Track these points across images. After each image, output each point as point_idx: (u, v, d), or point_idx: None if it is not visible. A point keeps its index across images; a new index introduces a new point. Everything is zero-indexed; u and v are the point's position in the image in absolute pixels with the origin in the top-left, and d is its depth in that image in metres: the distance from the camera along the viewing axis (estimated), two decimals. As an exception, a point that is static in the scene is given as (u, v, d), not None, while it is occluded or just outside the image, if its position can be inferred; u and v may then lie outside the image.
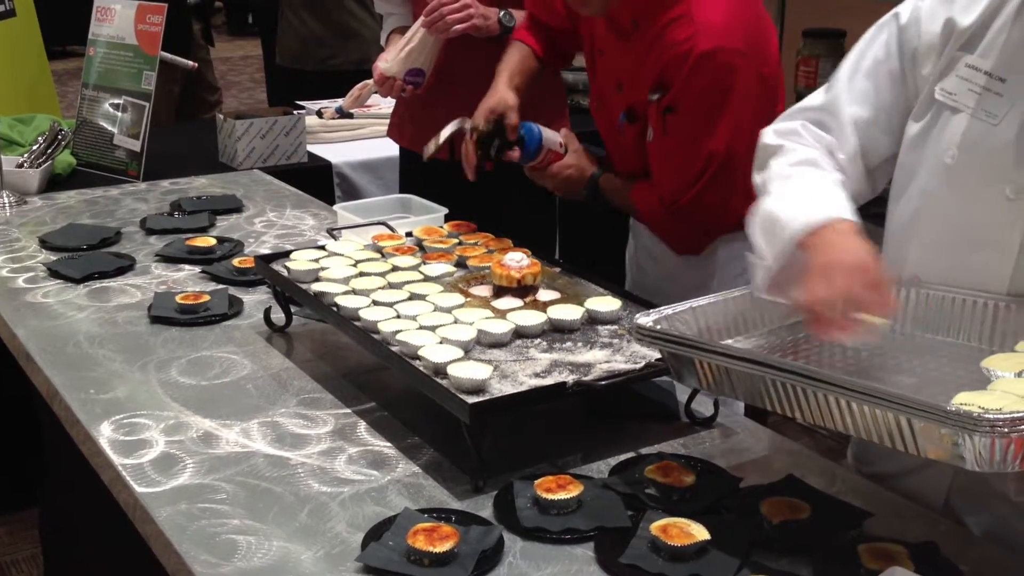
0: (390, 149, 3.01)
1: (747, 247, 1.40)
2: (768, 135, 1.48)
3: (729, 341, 1.40)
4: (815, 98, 1.47)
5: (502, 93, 2.04)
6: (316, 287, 1.68)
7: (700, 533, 1.22)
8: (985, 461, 1.03)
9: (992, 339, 1.32)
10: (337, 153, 3.13)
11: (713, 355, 1.27)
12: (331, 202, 2.83)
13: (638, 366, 1.46)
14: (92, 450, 1.48)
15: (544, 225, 2.68)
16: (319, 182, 2.97)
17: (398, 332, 1.51)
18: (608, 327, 1.59)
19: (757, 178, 1.46)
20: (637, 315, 1.37)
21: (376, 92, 2.54)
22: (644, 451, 1.46)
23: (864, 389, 1.11)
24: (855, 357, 1.33)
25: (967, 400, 1.12)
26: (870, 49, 1.42)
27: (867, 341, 1.26)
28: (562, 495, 1.30)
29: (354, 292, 1.66)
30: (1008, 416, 1.01)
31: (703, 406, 1.56)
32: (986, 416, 1.02)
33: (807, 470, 1.41)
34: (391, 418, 1.55)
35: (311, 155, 3.06)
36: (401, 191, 2.67)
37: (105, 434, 1.48)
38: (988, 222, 1.28)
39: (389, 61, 2.41)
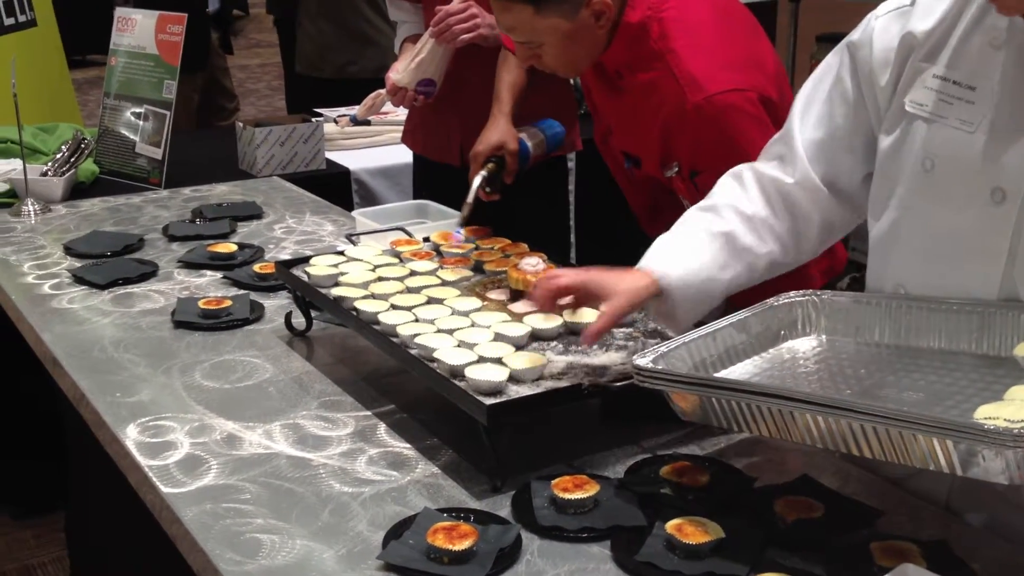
0: (407, 155, 3.04)
1: None
2: (722, 179, 1.55)
3: (724, 372, 1.41)
4: (780, 131, 1.53)
5: (502, 130, 2.12)
6: (335, 292, 1.71)
7: (715, 531, 1.24)
8: (1020, 475, 1.04)
9: (984, 345, 1.32)
10: (355, 160, 3.17)
11: (728, 392, 1.26)
12: (349, 208, 2.87)
13: (654, 368, 1.48)
14: (119, 452, 1.51)
15: (558, 229, 2.70)
16: (337, 189, 3.01)
17: (416, 335, 1.54)
18: (623, 330, 1.61)
19: None
20: (636, 356, 1.35)
21: (389, 101, 2.57)
22: (660, 452, 1.48)
23: (894, 415, 1.11)
24: (855, 377, 1.34)
25: (990, 413, 1.12)
26: (825, 76, 1.47)
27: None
28: (579, 495, 1.32)
29: (373, 296, 1.69)
30: None
31: (718, 407, 1.58)
32: (1013, 430, 1.02)
33: (821, 470, 1.43)
34: (410, 420, 1.57)
35: (329, 162, 3.10)
36: (415, 197, 2.71)
37: (131, 436, 1.52)
38: (973, 229, 1.28)
39: (400, 72, 2.45)
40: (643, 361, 1.32)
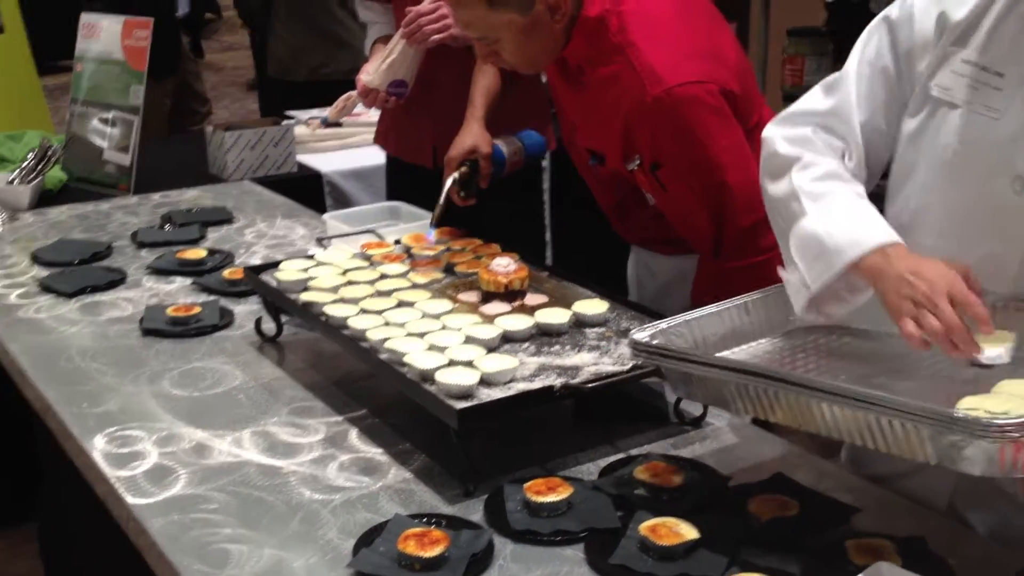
0: (379, 157, 3.02)
1: None
2: (779, 143, 1.42)
3: (726, 353, 1.40)
4: (817, 101, 1.43)
5: (475, 134, 2.10)
6: (304, 296, 1.69)
7: (689, 532, 1.23)
8: (996, 466, 1.03)
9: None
10: (327, 162, 3.14)
11: (711, 368, 1.27)
12: (322, 211, 2.83)
13: (626, 368, 1.47)
14: (85, 463, 1.49)
15: (533, 229, 2.69)
16: (310, 192, 2.98)
17: (386, 339, 1.52)
18: (596, 330, 1.60)
19: (773, 187, 1.41)
20: (633, 331, 1.36)
21: (360, 103, 2.55)
22: (633, 452, 1.47)
23: (868, 398, 1.11)
24: (856, 364, 1.33)
25: (973, 404, 1.11)
26: (865, 52, 1.41)
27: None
28: (552, 497, 1.31)
29: (342, 301, 1.67)
30: (1018, 421, 1.01)
31: (692, 406, 1.57)
32: (995, 422, 1.02)
33: (795, 468, 1.42)
34: (382, 425, 1.56)
35: (301, 165, 3.07)
36: (388, 198, 2.68)
37: (98, 447, 1.49)
38: (993, 217, 1.28)
39: (371, 73, 2.43)
40: (639, 335, 1.32)
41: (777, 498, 1.32)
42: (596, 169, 1.89)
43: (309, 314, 1.67)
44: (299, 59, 4.06)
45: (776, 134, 1.44)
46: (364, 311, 1.63)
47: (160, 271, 2.16)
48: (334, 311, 1.62)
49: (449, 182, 2.06)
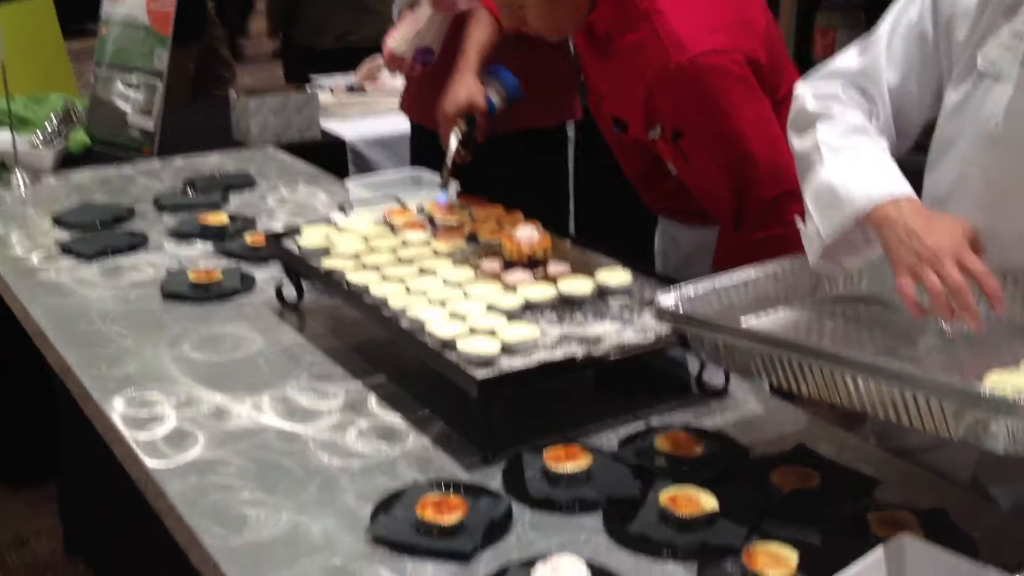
0: (403, 124, 3.00)
1: None
2: (808, 99, 1.42)
3: (752, 319, 1.39)
4: (849, 60, 1.43)
5: (471, 88, 2.06)
6: (326, 263, 1.68)
7: (709, 503, 1.22)
8: (1020, 444, 1.02)
9: (1020, 315, 1.29)
10: (351, 129, 3.13)
11: (736, 337, 1.25)
12: (345, 178, 2.83)
13: (649, 339, 1.45)
14: (105, 425, 1.49)
15: (558, 197, 2.66)
16: (333, 158, 2.97)
17: (407, 307, 1.51)
18: (618, 299, 1.58)
19: (798, 142, 1.41)
20: (659, 293, 1.35)
21: (386, 69, 2.53)
22: (654, 423, 1.46)
23: (895, 372, 1.09)
24: (881, 335, 1.31)
25: (999, 380, 1.10)
26: (904, 14, 1.39)
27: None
28: (571, 466, 1.30)
29: (364, 267, 1.66)
30: None
31: (715, 377, 1.55)
32: (1022, 400, 1.00)
33: (817, 439, 1.41)
34: (401, 391, 1.55)
35: (324, 132, 3.06)
36: (412, 165, 2.67)
37: (117, 409, 1.49)
38: None
39: (398, 40, 2.40)
40: (664, 300, 1.31)
41: (799, 469, 1.30)
42: (620, 137, 1.86)
43: (330, 280, 1.66)
44: (326, 26, 4.04)
45: (806, 91, 1.44)
46: (386, 278, 1.62)
47: (182, 235, 2.16)
48: (356, 278, 1.61)
49: (454, 142, 2.02)
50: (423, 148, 2.69)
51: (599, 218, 2.92)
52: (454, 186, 1.99)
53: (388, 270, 1.65)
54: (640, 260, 1.74)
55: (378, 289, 1.57)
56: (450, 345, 1.41)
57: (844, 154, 1.34)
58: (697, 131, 1.69)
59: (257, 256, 2.03)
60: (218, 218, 2.20)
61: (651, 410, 1.49)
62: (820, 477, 1.28)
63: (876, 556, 1.04)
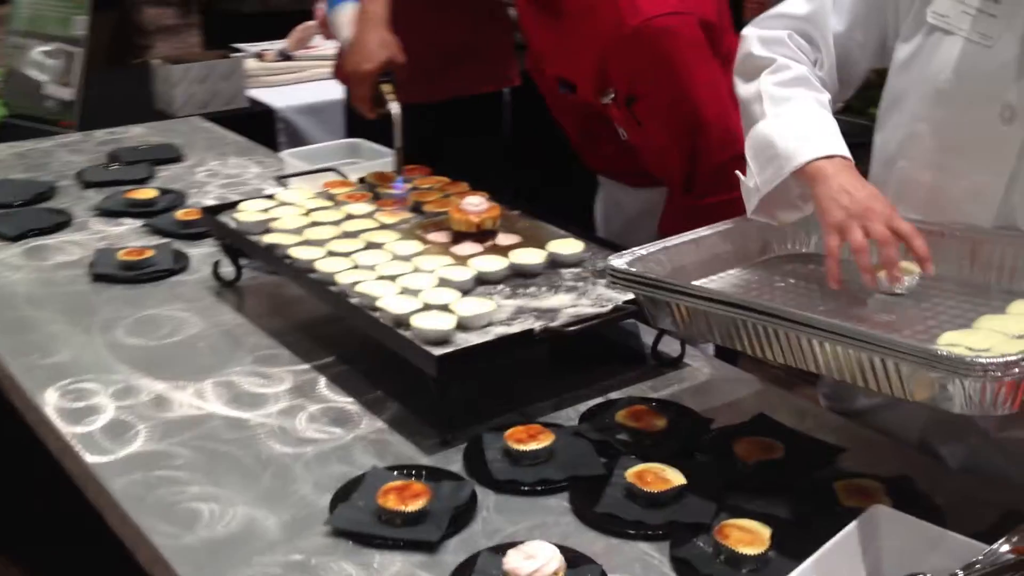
0: (334, 92, 2.92)
1: None
2: (754, 43, 1.41)
3: (703, 281, 1.37)
4: (797, 5, 1.42)
5: (387, 42, 1.87)
6: (267, 239, 1.61)
7: (676, 478, 1.20)
8: (975, 404, 1.01)
9: (971, 273, 1.29)
10: (279, 97, 3.02)
11: (690, 298, 1.23)
12: (274, 149, 2.74)
13: (605, 309, 1.42)
14: (37, 419, 1.41)
15: (496, 163, 2.61)
16: (261, 128, 2.87)
17: (357, 283, 1.45)
18: (571, 270, 1.55)
19: (743, 89, 1.40)
20: (610, 257, 1.32)
21: (319, 34, 2.44)
22: (613, 396, 1.43)
23: (850, 333, 1.08)
24: (832, 297, 1.30)
25: (954, 340, 1.09)
26: None
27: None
28: (533, 445, 1.27)
29: (307, 243, 1.60)
30: (1001, 360, 0.98)
31: (670, 347, 1.53)
32: (979, 360, 0.99)
33: (776, 408, 1.39)
34: (352, 372, 1.49)
35: (252, 100, 2.95)
36: (348, 136, 2.59)
37: (51, 402, 1.41)
38: (980, 146, 1.25)
39: None
40: (618, 262, 1.29)
41: (762, 440, 1.29)
42: (565, 98, 1.82)
43: (273, 257, 1.59)
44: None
45: (753, 34, 1.43)
46: (331, 253, 1.56)
47: (108, 212, 2.06)
48: (300, 253, 1.55)
49: (396, 109, 1.84)
50: (358, 117, 2.61)
51: (537, 185, 2.88)
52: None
53: (333, 245, 1.59)
54: (582, 226, 1.70)
55: (324, 265, 1.51)
56: (403, 322, 1.36)
57: (785, 107, 1.34)
58: (651, 96, 1.65)
59: (190, 233, 1.95)
60: (146, 193, 2.10)
61: (607, 383, 1.46)
62: (783, 447, 1.27)
63: (850, 529, 1.03)
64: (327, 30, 2.40)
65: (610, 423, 1.34)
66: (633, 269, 1.30)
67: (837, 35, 1.39)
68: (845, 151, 1.29)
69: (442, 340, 1.33)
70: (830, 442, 1.31)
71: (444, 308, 1.39)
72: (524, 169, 2.90)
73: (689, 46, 1.63)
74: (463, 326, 1.36)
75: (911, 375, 1.05)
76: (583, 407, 1.40)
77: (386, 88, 1.91)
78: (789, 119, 1.33)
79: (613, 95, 1.68)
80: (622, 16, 1.60)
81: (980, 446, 1.31)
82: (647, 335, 1.55)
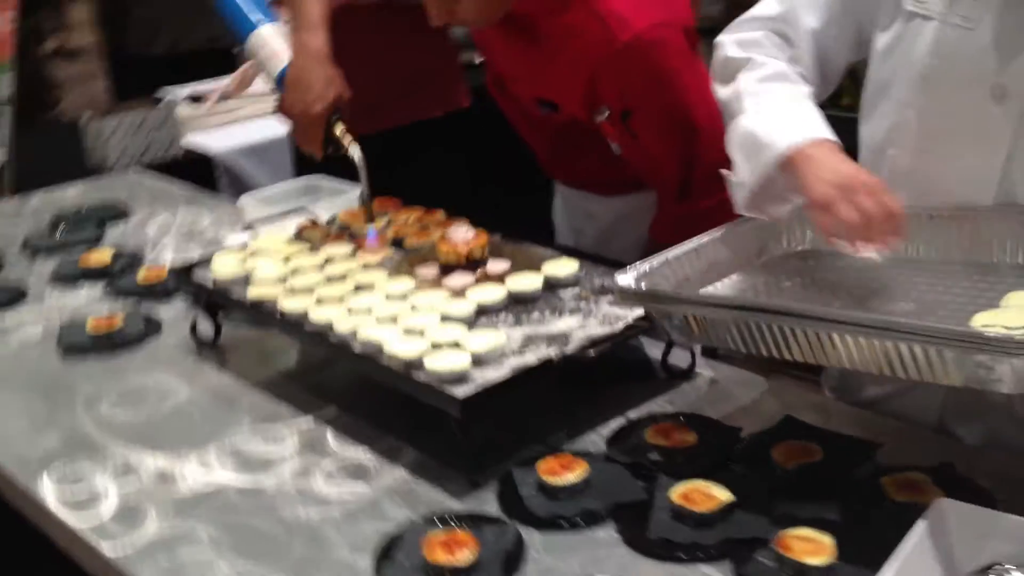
0: (272, 130, 2.86)
1: None
2: (730, 46, 1.41)
3: (710, 289, 1.35)
4: (769, 7, 1.42)
5: (334, 78, 1.76)
6: (252, 293, 1.55)
7: (722, 494, 1.17)
8: None
9: (976, 252, 1.29)
10: (216, 141, 2.94)
11: (710, 308, 1.21)
12: (217, 194, 2.66)
13: (617, 328, 1.39)
14: (35, 510, 1.32)
15: (457, 184, 2.57)
16: (202, 174, 2.79)
17: (356, 329, 1.39)
18: (569, 290, 1.51)
19: (722, 91, 1.40)
20: (616, 275, 1.29)
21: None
22: (632, 415, 1.40)
23: (891, 325, 1.06)
24: (843, 290, 1.29)
25: (988, 321, 1.08)
26: None
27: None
28: (569, 476, 1.23)
29: (294, 292, 1.53)
30: None
31: (679, 359, 1.50)
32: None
33: (799, 409, 1.37)
34: (357, 421, 1.43)
35: (188, 147, 2.87)
36: (297, 174, 2.53)
37: (48, 490, 1.33)
38: (972, 129, 1.25)
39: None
40: (623, 280, 1.26)
41: (797, 444, 1.26)
42: (545, 117, 1.79)
43: (261, 311, 1.52)
44: (158, 31, 3.79)
45: (728, 39, 1.42)
46: (321, 300, 1.50)
47: (64, 280, 1.96)
48: (290, 304, 1.48)
49: (358, 157, 1.72)
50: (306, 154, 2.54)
51: (497, 200, 2.85)
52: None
53: (321, 291, 1.53)
54: (546, 236, 1.66)
55: (318, 314, 1.45)
56: (416, 364, 1.31)
57: (765, 99, 1.34)
58: (647, 108, 1.64)
59: (155, 293, 1.86)
60: (101, 256, 2.01)
61: (623, 402, 1.43)
62: (820, 448, 1.25)
63: (921, 527, 1.01)
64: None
65: (640, 444, 1.31)
66: (643, 285, 1.27)
67: (813, 31, 1.39)
68: (830, 134, 1.28)
69: (459, 379, 1.28)
70: (865, 438, 1.29)
71: (454, 345, 1.34)
72: (480, 185, 2.87)
73: (677, 54, 1.62)
74: (477, 361, 1.31)
75: (956, 360, 1.03)
76: (605, 430, 1.37)
77: (340, 129, 1.82)
78: (769, 111, 1.32)
79: (608, 112, 1.66)
80: (612, 33, 1.58)
81: (998, 423, 1.31)
82: (652, 349, 1.53)
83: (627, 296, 1.28)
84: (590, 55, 1.60)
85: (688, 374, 1.49)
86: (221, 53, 4.07)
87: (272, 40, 1.83)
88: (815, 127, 1.28)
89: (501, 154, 2.90)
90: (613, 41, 1.57)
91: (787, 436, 1.29)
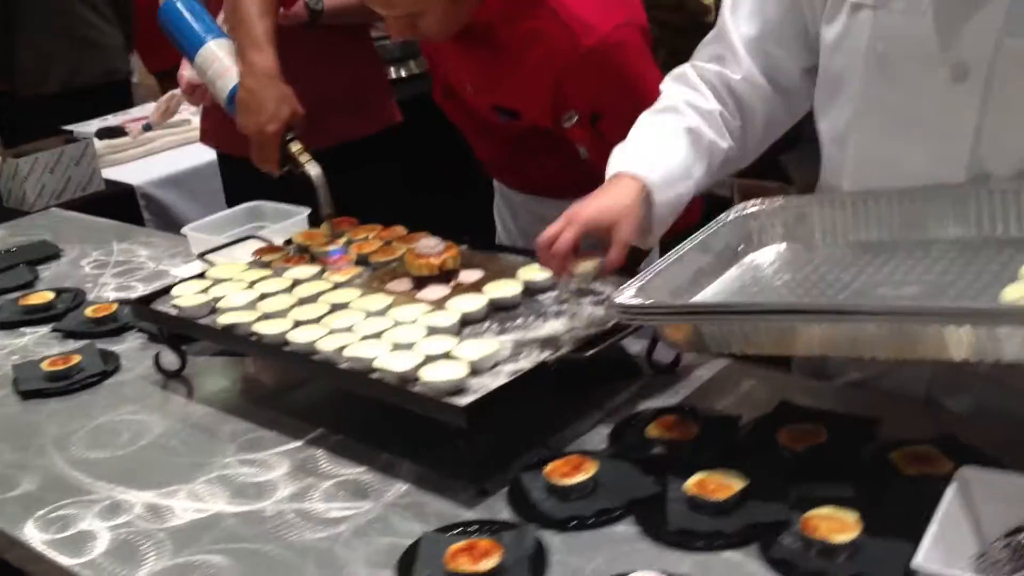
0: (195, 158, 2.79)
1: None
2: (666, 82, 1.47)
3: (700, 296, 1.35)
4: (710, 34, 1.45)
5: (288, 97, 1.78)
6: (223, 320, 1.50)
7: (737, 481, 1.17)
8: None
9: (960, 230, 1.30)
10: (136, 174, 2.85)
11: (727, 316, 1.21)
12: (142, 227, 2.58)
13: (607, 327, 1.39)
14: (25, 556, 1.25)
15: (398, 195, 2.53)
16: (125, 208, 2.69)
17: (343, 347, 1.36)
18: (548, 295, 1.51)
19: None
20: (614, 295, 1.27)
21: (185, 101, 2.31)
22: (627, 412, 1.39)
23: (919, 310, 1.08)
24: (839, 281, 1.30)
25: (1017, 295, 1.08)
26: None
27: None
28: (580, 477, 1.22)
29: (267, 316, 1.49)
30: None
31: (663, 354, 1.51)
32: None
33: (790, 393, 1.39)
34: (348, 440, 1.40)
35: (107, 181, 2.77)
36: (228, 200, 2.46)
37: (35, 536, 1.25)
38: (935, 111, 1.25)
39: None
40: (625, 299, 1.24)
41: (801, 426, 1.28)
42: (501, 125, 1.78)
43: (235, 338, 1.47)
44: (49, 69, 3.66)
45: (667, 78, 1.49)
46: (299, 323, 1.46)
47: (6, 325, 1.87)
48: (266, 328, 1.44)
49: (315, 171, 1.75)
50: (236, 179, 2.48)
51: (436, 205, 2.82)
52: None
53: (296, 313, 1.49)
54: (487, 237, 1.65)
55: (298, 335, 1.41)
56: (410, 379, 1.29)
57: (633, 131, 1.43)
58: (617, 109, 1.64)
59: (107, 329, 1.79)
60: (41, 297, 1.92)
61: (614, 399, 1.43)
62: (824, 428, 1.27)
63: (950, 496, 1.03)
64: (195, 96, 2.28)
65: (642, 439, 1.31)
66: (649, 301, 1.25)
67: (752, 40, 1.41)
68: (639, 169, 1.36)
69: (457, 389, 1.26)
70: (864, 415, 1.30)
71: (447, 356, 1.32)
72: (414, 194, 2.84)
73: (637, 53, 1.63)
74: (473, 371, 1.30)
75: (1008, 336, 1.02)
76: (604, 429, 1.36)
77: (296, 148, 1.81)
78: (625, 142, 1.41)
79: (577, 117, 1.66)
80: (576, 37, 1.58)
81: (984, 392, 1.34)
82: (633, 345, 1.53)
83: (633, 313, 1.26)
84: (555, 60, 1.60)
85: (673, 368, 1.50)
86: (119, 86, 3.97)
87: (223, 56, 1.79)
88: (633, 161, 1.37)
89: (436, 162, 2.89)
90: (577, 46, 1.58)
91: (788, 420, 1.30)
